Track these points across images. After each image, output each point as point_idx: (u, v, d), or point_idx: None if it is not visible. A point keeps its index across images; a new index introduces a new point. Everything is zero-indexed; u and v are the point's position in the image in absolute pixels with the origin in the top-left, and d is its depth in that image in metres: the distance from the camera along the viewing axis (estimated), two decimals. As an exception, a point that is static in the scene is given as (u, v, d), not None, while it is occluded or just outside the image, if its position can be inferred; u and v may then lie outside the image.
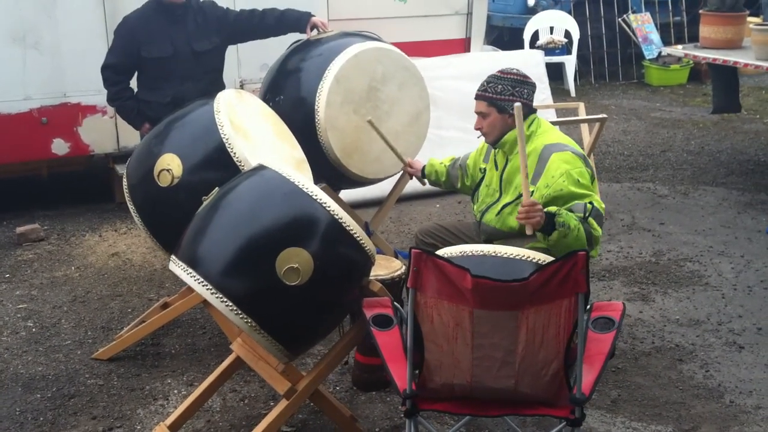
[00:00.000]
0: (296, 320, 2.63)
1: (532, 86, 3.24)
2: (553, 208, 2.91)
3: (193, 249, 2.64)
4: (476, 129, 3.28)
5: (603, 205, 3.04)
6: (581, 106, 5.82)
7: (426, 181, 3.83)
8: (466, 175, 3.57)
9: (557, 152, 3.08)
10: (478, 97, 3.24)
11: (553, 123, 5.39)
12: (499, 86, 3.19)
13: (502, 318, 2.36)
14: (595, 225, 2.95)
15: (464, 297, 2.34)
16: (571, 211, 2.93)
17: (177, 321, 3.93)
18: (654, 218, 5.44)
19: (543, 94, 6.48)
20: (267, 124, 3.44)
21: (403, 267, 3.29)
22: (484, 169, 3.39)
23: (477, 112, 3.25)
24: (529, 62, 6.54)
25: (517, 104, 2.77)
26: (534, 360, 2.38)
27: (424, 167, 3.80)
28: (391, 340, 2.59)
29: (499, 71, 3.26)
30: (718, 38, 6.50)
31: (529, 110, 3.22)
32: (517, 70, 3.27)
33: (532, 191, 3.03)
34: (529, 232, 2.89)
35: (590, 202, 2.97)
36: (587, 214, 2.95)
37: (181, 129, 3.29)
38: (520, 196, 3.13)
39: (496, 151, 3.29)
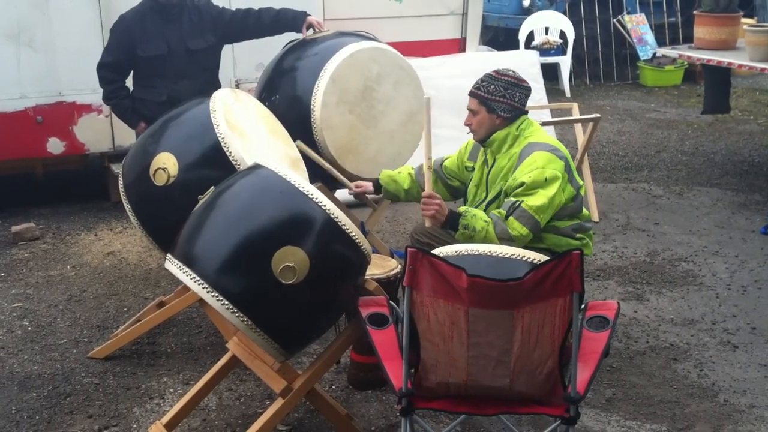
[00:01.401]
0: (292, 319, 2.63)
1: (525, 89, 3.27)
2: (462, 208, 3.08)
3: (189, 247, 2.64)
4: (465, 125, 3.33)
5: (539, 205, 3.02)
6: (575, 106, 5.85)
7: (380, 194, 3.65)
8: (448, 177, 3.53)
9: (539, 150, 3.13)
10: (470, 94, 3.29)
11: (547, 123, 5.45)
12: (492, 86, 3.23)
13: (497, 317, 2.37)
14: (516, 225, 3.02)
15: (460, 296, 2.35)
16: (500, 207, 3.07)
17: (173, 320, 3.93)
18: (649, 218, 5.46)
19: (538, 95, 6.48)
20: (263, 124, 3.44)
21: (399, 266, 3.30)
22: (472, 168, 3.41)
23: (468, 109, 3.29)
24: (525, 63, 6.55)
25: (426, 97, 2.96)
26: (529, 359, 2.39)
27: (376, 180, 3.61)
28: (386, 339, 2.60)
29: (494, 71, 3.28)
30: (713, 39, 6.52)
31: (519, 112, 3.25)
32: (513, 72, 3.29)
33: (522, 182, 3.09)
34: (427, 224, 3.08)
35: (519, 201, 3.03)
36: (509, 212, 3.03)
37: (177, 128, 3.29)
38: (498, 193, 3.18)
39: (485, 150, 3.32)
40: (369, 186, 3.62)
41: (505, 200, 3.11)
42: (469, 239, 3.01)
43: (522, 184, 3.06)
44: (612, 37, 10.06)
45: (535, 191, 3.05)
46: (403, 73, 4.06)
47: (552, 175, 3.07)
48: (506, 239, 3.01)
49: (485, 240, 2.99)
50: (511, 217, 3.03)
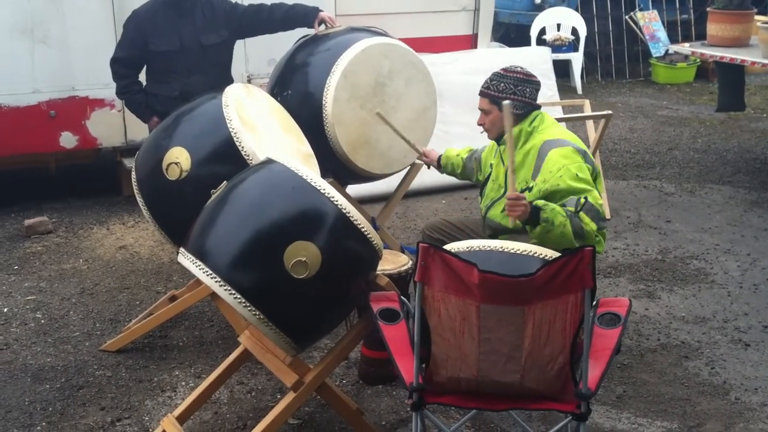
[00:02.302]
0: (304, 313, 2.64)
1: (535, 84, 3.26)
2: (540, 202, 2.96)
3: (202, 242, 2.65)
4: (478, 125, 3.33)
5: (600, 201, 3.04)
6: (587, 103, 5.83)
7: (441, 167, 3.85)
8: (479, 170, 3.59)
9: (556, 148, 3.11)
10: (481, 94, 3.29)
11: (559, 120, 5.42)
12: (501, 84, 3.22)
13: (508, 313, 2.37)
14: (587, 220, 2.98)
15: (471, 292, 2.36)
16: (564, 205, 2.98)
17: (185, 314, 3.95)
18: (660, 216, 5.44)
19: (550, 91, 6.48)
20: (275, 119, 3.45)
21: (410, 262, 3.30)
22: (492, 165, 3.41)
23: (480, 109, 3.29)
24: (537, 59, 6.55)
25: (506, 102, 2.87)
26: (540, 355, 2.40)
27: (440, 157, 3.81)
28: (397, 334, 2.61)
29: (502, 69, 3.28)
30: (726, 36, 6.48)
31: (531, 107, 3.24)
32: (521, 68, 3.29)
33: (531, 186, 3.10)
34: (511, 224, 2.99)
35: (585, 197, 3.00)
36: (579, 209, 2.99)
37: (190, 123, 3.30)
38: (521, 191, 3.16)
39: (501, 147, 3.31)
40: (434, 160, 3.83)
41: (565, 200, 3.01)
42: (546, 234, 2.92)
43: (576, 180, 3.01)
44: (624, 33, 10.02)
45: (592, 186, 3.05)
46: (415, 70, 4.06)
47: (591, 168, 3.09)
48: (580, 235, 2.95)
49: (562, 236, 2.91)
50: (581, 213, 2.98)
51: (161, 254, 4.81)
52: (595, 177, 3.17)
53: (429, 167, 3.98)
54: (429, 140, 4.21)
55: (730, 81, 6.95)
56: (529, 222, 2.92)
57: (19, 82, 5.23)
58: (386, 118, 3.74)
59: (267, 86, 4.17)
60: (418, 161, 4.12)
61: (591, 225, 2.98)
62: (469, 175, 3.73)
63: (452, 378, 2.47)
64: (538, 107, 3.28)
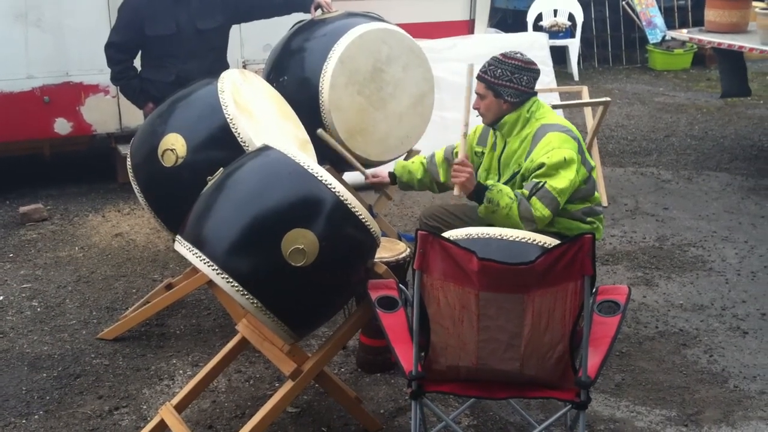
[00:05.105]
0: (302, 301, 2.62)
1: (533, 72, 3.23)
2: (490, 182, 3.07)
3: (199, 229, 2.63)
4: (474, 108, 3.30)
5: (562, 187, 3.02)
6: (584, 89, 5.80)
7: (395, 184, 3.71)
8: (447, 172, 3.51)
9: (554, 131, 3.12)
10: (478, 78, 3.26)
11: (557, 106, 5.41)
12: (498, 70, 3.20)
13: (508, 301, 2.36)
14: (539, 206, 3.01)
15: (470, 279, 2.34)
16: (522, 187, 3.04)
17: (182, 302, 3.93)
18: (657, 203, 5.43)
19: (547, 77, 6.44)
20: (271, 105, 3.42)
21: (408, 250, 3.29)
22: (481, 153, 3.39)
23: (476, 93, 3.26)
24: (535, 45, 6.49)
25: (470, 64, 2.97)
26: (539, 343, 2.39)
27: (391, 172, 3.67)
28: (396, 322, 2.60)
29: (501, 55, 3.25)
30: (723, 22, 6.45)
31: (527, 95, 3.22)
32: (521, 54, 3.26)
33: (521, 168, 3.14)
34: (456, 192, 3.08)
35: (543, 182, 3.01)
36: (532, 192, 3.01)
37: (185, 108, 3.27)
38: (514, 174, 3.16)
39: (495, 133, 3.30)
40: (385, 176, 3.69)
41: (526, 183, 3.08)
42: (491, 214, 3.02)
43: (542, 165, 3.05)
44: (621, 19, 9.98)
45: (556, 172, 3.04)
46: (413, 55, 4.03)
47: (570, 156, 3.06)
48: (528, 219, 3.00)
49: (507, 218, 3.00)
50: (534, 198, 3.01)
51: (157, 242, 4.78)
52: (590, 170, 3.17)
53: (378, 191, 3.85)
54: (426, 126, 4.18)
55: (731, 67, 6.90)
56: (473, 199, 3.07)
57: (12, 67, 5.18)
58: (328, 139, 3.63)
59: (263, 72, 4.14)
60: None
61: (543, 211, 3.01)
62: (430, 180, 3.56)
63: (451, 366, 2.46)
64: (535, 94, 3.26)
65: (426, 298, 2.41)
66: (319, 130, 3.62)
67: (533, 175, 3.07)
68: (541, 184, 3.02)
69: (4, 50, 5.15)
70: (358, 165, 3.71)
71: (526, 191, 3.04)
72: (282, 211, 2.59)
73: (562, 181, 3.03)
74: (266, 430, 2.79)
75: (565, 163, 3.04)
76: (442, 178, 3.55)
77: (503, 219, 3.01)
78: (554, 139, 3.08)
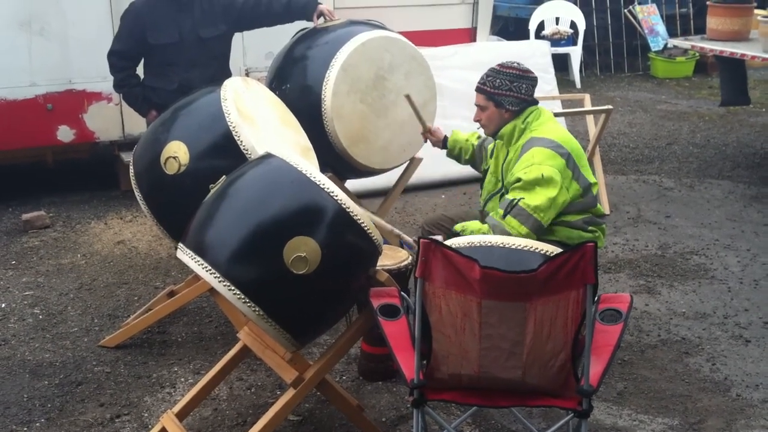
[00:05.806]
0: (304, 309, 2.62)
1: (531, 80, 3.24)
2: (458, 227, 3.11)
3: (201, 237, 2.63)
4: (475, 121, 3.31)
5: (537, 204, 2.99)
6: (587, 97, 5.81)
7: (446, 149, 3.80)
8: (484, 159, 3.56)
9: (538, 146, 3.10)
10: (477, 90, 3.28)
11: (559, 114, 5.41)
12: (497, 80, 3.21)
13: (510, 309, 2.36)
14: (514, 223, 3.00)
15: (472, 287, 2.34)
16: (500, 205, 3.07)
17: (183, 309, 3.93)
18: (660, 211, 5.42)
19: (549, 85, 6.46)
20: (273, 112, 3.43)
21: (409, 257, 3.29)
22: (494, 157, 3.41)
23: (476, 105, 3.28)
24: (536, 53, 6.52)
25: (406, 94, 3.09)
26: (541, 351, 2.38)
27: (445, 138, 3.76)
28: (398, 330, 2.59)
29: (498, 65, 3.26)
30: (725, 30, 6.46)
31: (527, 103, 3.22)
32: (518, 63, 3.27)
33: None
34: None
35: (518, 199, 3.00)
36: (507, 211, 3.01)
37: (188, 116, 3.28)
38: (501, 187, 3.20)
39: (498, 142, 3.30)
40: (440, 139, 3.79)
41: (503, 198, 3.09)
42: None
43: (518, 179, 3.03)
44: (623, 27, 9.99)
45: (533, 189, 3.01)
46: (415, 63, 4.03)
47: (549, 173, 3.01)
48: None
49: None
50: (509, 216, 3.01)
51: (159, 249, 4.79)
52: (587, 186, 3.14)
53: (426, 141, 3.91)
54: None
55: (731, 76, 6.92)
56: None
57: (16, 75, 5.21)
58: (413, 102, 3.71)
59: (265, 80, 4.15)
60: (422, 139, 3.96)
61: (519, 229, 3.00)
62: (476, 162, 3.67)
63: (454, 374, 2.46)
64: (535, 102, 3.26)
65: (428, 306, 2.41)
66: (406, 93, 3.68)
67: (510, 190, 3.07)
68: (516, 201, 3.01)
69: (7, 58, 5.17)
70: (423, 119, 3.77)
71: (501, 210, 3.04)
72: (284, 218, 2.59)
73: (538, 198, 3.00)
74: (268, 439, 2.79)
75: (543, 180, 3.00)
76: (480, 167, 3.61)
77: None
78: (537, 155, 3.06)
